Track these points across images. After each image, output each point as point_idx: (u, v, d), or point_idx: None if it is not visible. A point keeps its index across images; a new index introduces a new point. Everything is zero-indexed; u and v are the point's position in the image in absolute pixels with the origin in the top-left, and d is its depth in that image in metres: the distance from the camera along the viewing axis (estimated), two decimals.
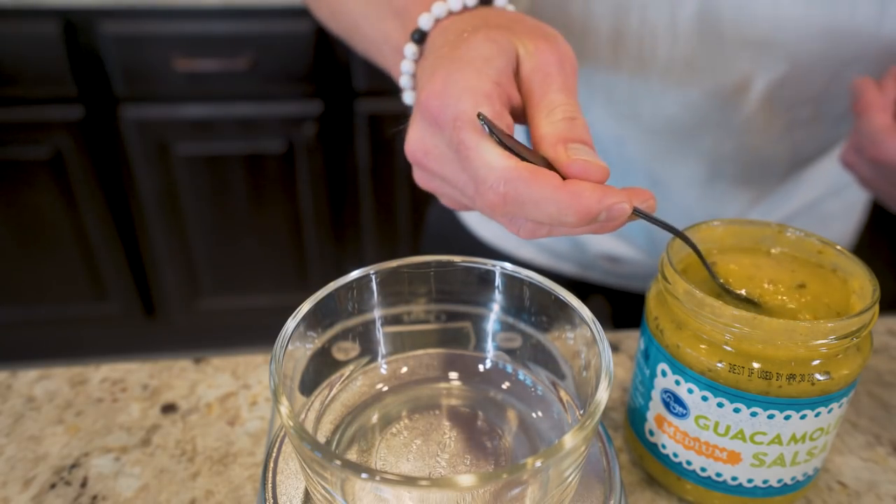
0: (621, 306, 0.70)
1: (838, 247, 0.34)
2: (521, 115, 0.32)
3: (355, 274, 0.32)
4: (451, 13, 0.35)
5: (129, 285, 1.53)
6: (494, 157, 0.28)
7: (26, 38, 1.24)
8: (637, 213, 0.28)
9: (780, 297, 0.33)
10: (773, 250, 0.36)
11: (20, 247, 1.44)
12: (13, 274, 1.48)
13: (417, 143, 0.32)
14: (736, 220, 0.37)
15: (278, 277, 1.58)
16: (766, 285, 0.34)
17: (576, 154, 0.29)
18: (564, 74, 0.31)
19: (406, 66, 0.36)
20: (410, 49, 0.35)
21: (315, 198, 1.47)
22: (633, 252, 0.62)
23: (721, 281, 0.34)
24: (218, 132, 1.37)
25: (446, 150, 0.30)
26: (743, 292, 0.33)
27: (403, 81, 0.37)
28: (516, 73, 0.32)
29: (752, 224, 0.37)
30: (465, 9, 0.35)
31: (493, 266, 0.33)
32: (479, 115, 0.28)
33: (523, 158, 0.28)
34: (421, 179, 0.34)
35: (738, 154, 0.54)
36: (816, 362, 0.30)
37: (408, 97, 0.37)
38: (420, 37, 0.35)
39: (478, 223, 0.68)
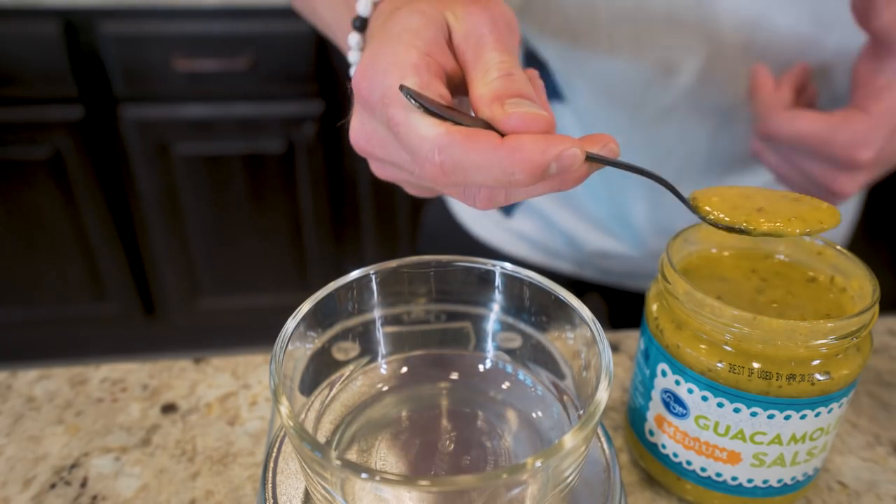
0: (617, 305, 0.70)
1: (838, 247, 0.34)
2: (462, 84, 0.30)
3: (355, 274, 0.32)
4: None
5: (129, 285, 1.53)
6: (424, 127, 0.26)
7: (26, 38, 1.24)
8: (594, 158, 0.26)
9: (770, 224, 0.30)
10: (762, 204, 0.32)
11: (20, 247, 1.44)
12: (13, 274, 1.48)
13: (358, 131, 0.31)
14: None
15: (278, 277, 1.58)
16: (755, 212, 0.31)
17: (513, 108, 0.27)
18: (498, 33, 0.29)
19: (353, 56, 0.35)
20: (354, 38, 0.34)
21: (315, 198, 1.47)
22: (622, 248, 0.62)
23: (702, 214, 0.31)
24: (218, 132, 1.37)
25: (384, 131, 0.29)
26: (725, 217, 0.30)
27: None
28: (450, 42, 0.30)
29: None
30: None
31: (493, 266, 0.33)
32: (400, 87, 0.26)
33: (461, 125, 0.26)
34: (376, 170, 0.32)
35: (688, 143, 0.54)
36: (816, 362, 0.30)
37: None
38: (361, 24, 0.34)
39: (473, 222, 0.68)
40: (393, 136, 0.28)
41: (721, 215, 0.30)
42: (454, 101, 0.29)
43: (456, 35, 0.30)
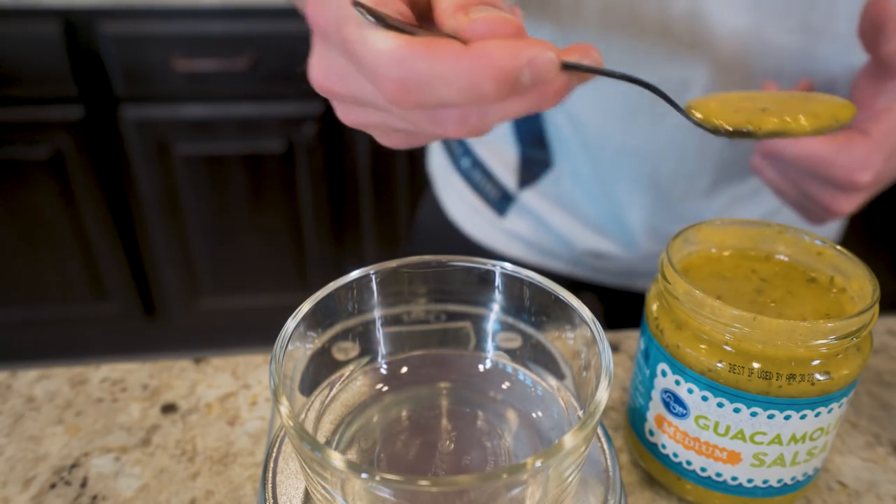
0: (611, 304, 0.70)
1: (838, 247, 0.34)
2: (428, 11, 0.27)
3: (355, 274, 0.32)
4: None
5: (129, 285, 1.53)
6: (381, 40, 0.23)
7: (26, 38, 1.24)
8: (572, 67, 0.24)
9: (777, 120, 0.28)
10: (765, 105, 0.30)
11: (20, 247, 1.44)
12: (13, 274, 1.48)
13: (316, 65, 0.28)
14: (736, 220, 0.37)
15: (278, 277, 1.58)
16: (759, 112, 0.29)
17: (478, 13, 0.24)
18: None
19: None
20: None
21: (315, 198, 1.47)
22: (616, 249, 0.62)
23: (700, 121, 0.29)
24: (218, 132, 1.37)
25: (342, 60, 0.26)
26: (724, 124, 0.28)
27: None
28: None
29: (753, 224, 0.37)
30: None
31: (493, 266, 0.33)
32: (353, 3, 0.24)
33: None
34: (342, 114, 0.30)
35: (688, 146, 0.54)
36: (816, 362, 0.30)
37: None
38: None
39: (466, 221, 0.68)
40: (351, 62, 0.25)
41: (721, 122, 0.28)
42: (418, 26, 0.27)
43: None
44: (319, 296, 0.31)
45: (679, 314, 0.32)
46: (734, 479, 0.33)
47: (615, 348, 0.48)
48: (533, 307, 0.33)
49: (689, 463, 0.34)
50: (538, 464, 0.23)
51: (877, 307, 0.30)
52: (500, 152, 0.64)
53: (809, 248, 0.36)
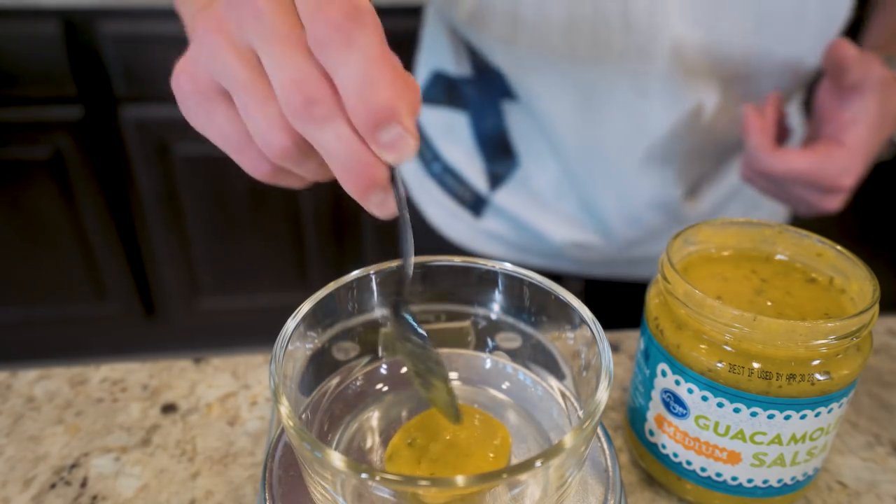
0: (595, 295, 0.70)
1: (838, 247, 0.34)
2: None
3: (355, 274, 0.32)
4: None
5: (129, 285, 1.53)
6: None
7: (26, 38, 1.24)
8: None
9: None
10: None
11: (20, 247, 1.44)
12: (13, 274, 1.48)
13: (184, 62, 0.27)
14: (736, 220, 0.37)
15: (278, 277, 1.58)
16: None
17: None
18: None
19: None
20: None
21: (315, 198, 1.47)
22: (595, 238, 0.63)
23: None
24: None
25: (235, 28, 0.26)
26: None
27: None
28: None
29: (753, 224, 0.37)
30: None
31: (493, 266, 0.33)
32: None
33: None
34: (198, 114, 0.28)
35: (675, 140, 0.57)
36: (816, 362, 0.30)
37: None
38: None
39: (444, 224, 0.69)
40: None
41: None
42: None
43: None
44: (319, 296, 0.31)
45: (679, 314, 0.32)
46: (734, 479, 0.33)
47: (615, 348, 0.48)
48: (533, 307, 0.33)
49: (689, 463, 0.34)
50: (538, 464, 0.23)
51: (877, 307, 0.30)
52: (466, 158, 0.65)
53: (809, 249, 0.36)
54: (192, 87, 0.28)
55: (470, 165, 0.65)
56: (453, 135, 0.65)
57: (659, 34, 0.51)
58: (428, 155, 0.68)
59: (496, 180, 0.64)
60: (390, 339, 0.34)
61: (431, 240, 0.70)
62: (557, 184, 0.61)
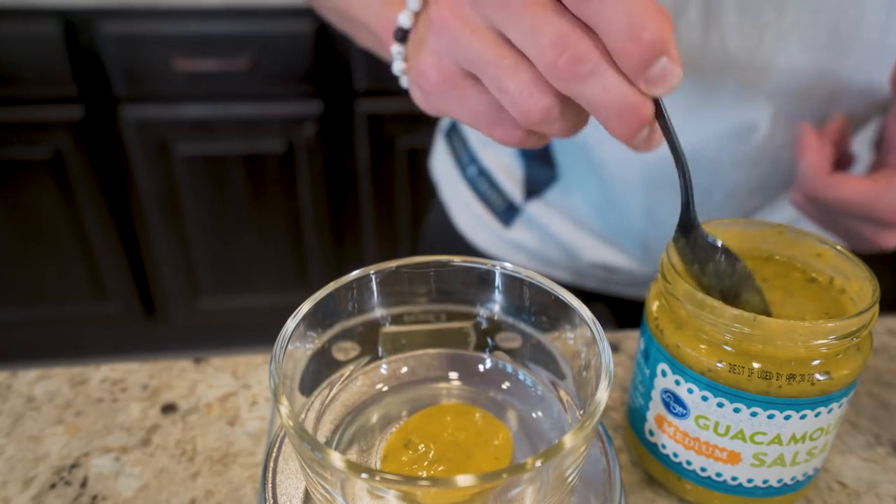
0: (619, 312, 0.70)
1: (838, 247, 0.34)
2: None
3: (355, 274, 0.32)
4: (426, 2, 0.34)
5: (129, 285, 1.53)
6: None
7: (26, 38, 1.24)
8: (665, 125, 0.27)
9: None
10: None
11: (20, 247, 1.44)
12: (13, 274, 1.48)
13: (425, 59, 0.30)
14: (737, 220, 0.37)
15: (278, 277, 1.58)
16: None
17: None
18: None
19: (397, 66, 0.36)
20: (396, 48, 0.35)
21: (315, 198, 1.47)
22: (627, 261, 0.62)
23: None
24: (218, 132, 1.37)
25: (478, 21, 0.27)
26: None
27: (402, 81, 0.36)
28: None
29: (753, 224, 0.37)
30: None
31: (493, 266, 0.33)
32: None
33: None
34: (448, 102, 0.31)
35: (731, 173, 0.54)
36: (816, 362, 0.30)
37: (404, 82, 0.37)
38: (402, 36, 0.34)
39: (472, 231, 0.68)
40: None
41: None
42: None
43: None
44: (319, 296, 0.31)
45: (679, 314, 0.32)
46: (734, 479, 0.33)
47: (615, 348, 0.48)
48: (533, 307, 0.33)
49: (689, 463, 0.34)
50: (538, 464, 0.23)
51: (877, 307, 0.30)
52: (505, 163, 0.64)
53: (809, 249, 0.36)
54: (440, 76, 0.29)
55: (508, 172, 0.63)
56: None
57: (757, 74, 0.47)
58: (465, 157, 0.67)
59: (532, 190, 0.63)
60: (687, 257, 0.33)
61: (456, 245, 0.69)
62: (596, 202, 0.59)
